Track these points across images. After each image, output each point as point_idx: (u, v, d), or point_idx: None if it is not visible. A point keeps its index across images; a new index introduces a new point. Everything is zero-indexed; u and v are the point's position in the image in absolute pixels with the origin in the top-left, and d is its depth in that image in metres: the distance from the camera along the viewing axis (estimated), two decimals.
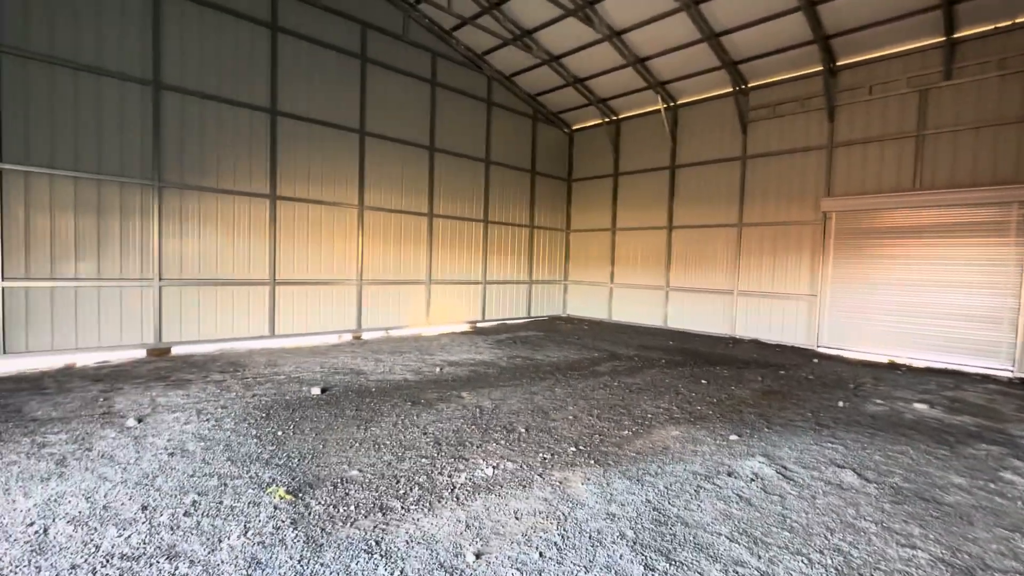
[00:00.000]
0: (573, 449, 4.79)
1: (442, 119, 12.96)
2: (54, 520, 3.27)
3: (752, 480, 4.21)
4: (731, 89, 12.44)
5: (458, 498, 3.73)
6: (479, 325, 14.07)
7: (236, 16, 9.36)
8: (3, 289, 7.37)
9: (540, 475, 4.18)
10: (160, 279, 8.73)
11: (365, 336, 11.54)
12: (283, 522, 3.32)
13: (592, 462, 4.48)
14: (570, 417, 5.82)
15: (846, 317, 10.91)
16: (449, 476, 4.11)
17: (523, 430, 5.31)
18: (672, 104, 13.86)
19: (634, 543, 3.22)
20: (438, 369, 8.25)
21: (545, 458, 4.55)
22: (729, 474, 4.31)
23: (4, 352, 7.39)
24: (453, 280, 13.50)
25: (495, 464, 4.37)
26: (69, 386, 6.52)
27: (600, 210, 16.10)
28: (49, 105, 7.62)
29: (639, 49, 12.16)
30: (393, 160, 12.01)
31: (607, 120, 15.33)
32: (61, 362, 7.78)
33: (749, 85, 12.29)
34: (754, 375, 8.46)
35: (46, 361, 7.71)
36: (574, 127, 16.59)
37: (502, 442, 4.94)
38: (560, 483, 4.04)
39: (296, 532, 3.20)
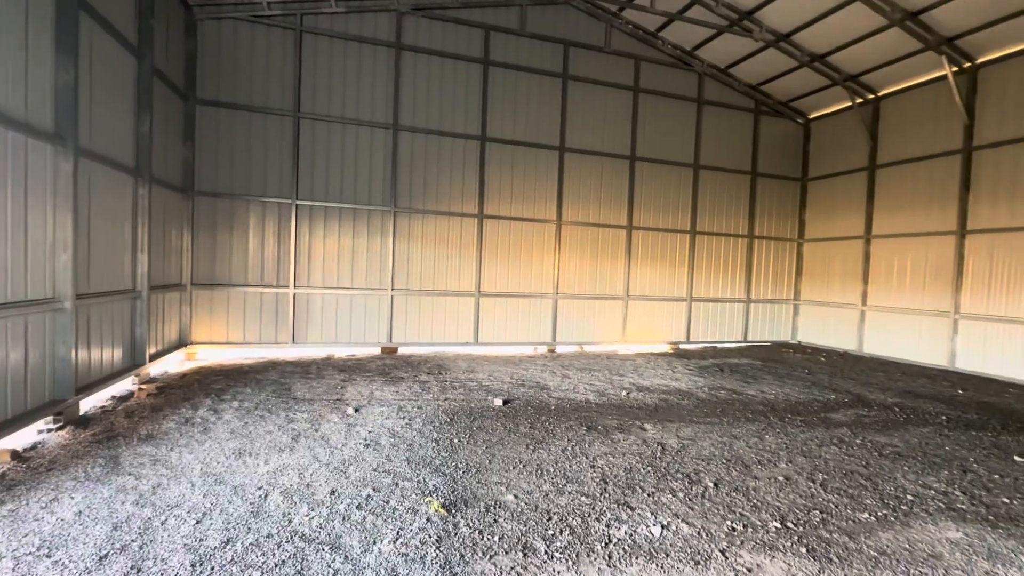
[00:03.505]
0: (777, 525, 3.66)
1: (644, 126, 12.29)
2: (273, 489, 3.96)
3: None
4: None
5: (610, 557, 3.16)
6: (682, 347, 12.74)
7: (455, 58, 10.63)
8: (295, 294, 9.79)
9: (723, 552, 3.27)
10: (392, 289, 10.38)
11: (559, 350, 11.60)
12: (430, 537, 3.31)
13: (803, 551, 3.32)
14: (780, 478, 4.55)
15: None
16: (607, 526, 3.56)
17: (711, 484, 4.35)
18: (967, 65, 10.19)
19: None
20: (624, 393, 7.62)
21: (734, 529, 3.58)
22: None
23: (293, 342, 9.79)
24: (653, 297, 12.56)
25: (666, 523, 3.63)
26: (324, 373, 8.18)
27: (848, 214, 12.91)
28: (326, 152, 9.87)
29: None
30: (591, 173, 11.88)
31: (860, 101, 12.24)
32: (325, 353, 9.91)
33: None
34: None
35: (316, 351, 9.92)
36: (811, 115, 13.79)
37: (680, 494, 4.11)
38: (749, 571, 3.07)
39: (438, 552, 3.14)
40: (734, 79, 12.96)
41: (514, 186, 11.25)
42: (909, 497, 4.23)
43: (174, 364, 8.50)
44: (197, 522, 3.40)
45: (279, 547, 3.14)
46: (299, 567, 2.93)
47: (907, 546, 3.44)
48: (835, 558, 3.25)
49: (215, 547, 3.11)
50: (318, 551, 3.11)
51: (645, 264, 12.48)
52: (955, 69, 10.20)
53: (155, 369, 7.81)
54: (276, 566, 2.93)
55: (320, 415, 5.91)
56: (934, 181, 10.99)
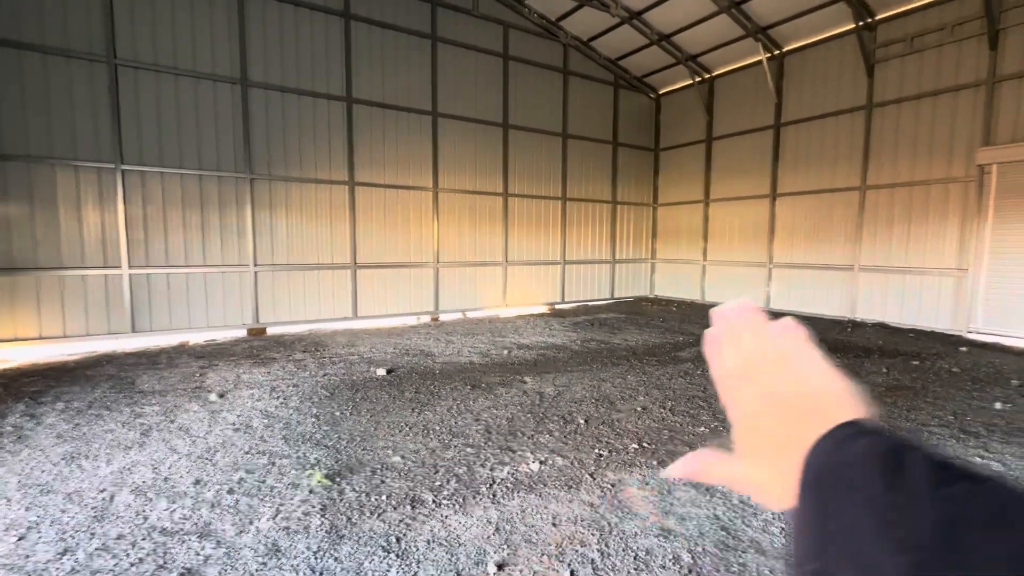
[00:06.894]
0: (635, 446, 4.23)
1: (515, 94, 12.51)
2: (121, 489, 3.51)
3: None
4: (852, 25, 10.42)
5: (495, 495, 3.40)
6: (558, 307, 13.62)
7: (311, 8, 9.68)
8: (130, 276, 8.42)
9: (591, 475, 3.71)
10: (255, 265, 9.45)
11: (442, 318, 11.67)
12: (313, 507, 3.24)
13: (655, 463, 3.91)
14: (638, 408, 5.22)
15: (1011, 296, 8.75)
16: (491, 469, 3.80)
17: (582, 421, 4.84)
18: (776, 52, 12.03)
19: None
20: (506, 352, 7.99)
21: (601, 455, 4.06)
22: None
23: (133, 331, 8.48)
24: (530, 261, 13.15)
25: (543, 459, 3.98)
26: (177, 362, 7.27)
27: (691, 181, 14.67)
28: (156, 108, 8.46)
29: None
30: (466, 140, 11.85)
31: (698, 80, 13.79)
32: (177, 340, 8.77)
33: (877, 17, 10.20)
34: (877, 366, 7.08)
35: (165, 339, 8.73)
36: (661, 91, 15.21)
37: (556, 434, 4.52)
38: (612, 486, 3.54)
39: (322, 520, 3.09)
40: (596, 52, 13.71)
41: (387, 152, 10.78)
42: None
43: None
44: (20, 539, 2.90)
45: (134, 546, 2.83)
46: (161, 562, 2.68)
47: (729, 446, 4.21)
48: None
49: (48, 560, 2.70)
50: (183, 542, 2.87)
51: (522, 230, 12.95)
52: (768, 55, 11.98)
53: None
54: (132, 565, 2.65)
55: (176, 406, 5.28)
56: (755, 152, 12.95)
